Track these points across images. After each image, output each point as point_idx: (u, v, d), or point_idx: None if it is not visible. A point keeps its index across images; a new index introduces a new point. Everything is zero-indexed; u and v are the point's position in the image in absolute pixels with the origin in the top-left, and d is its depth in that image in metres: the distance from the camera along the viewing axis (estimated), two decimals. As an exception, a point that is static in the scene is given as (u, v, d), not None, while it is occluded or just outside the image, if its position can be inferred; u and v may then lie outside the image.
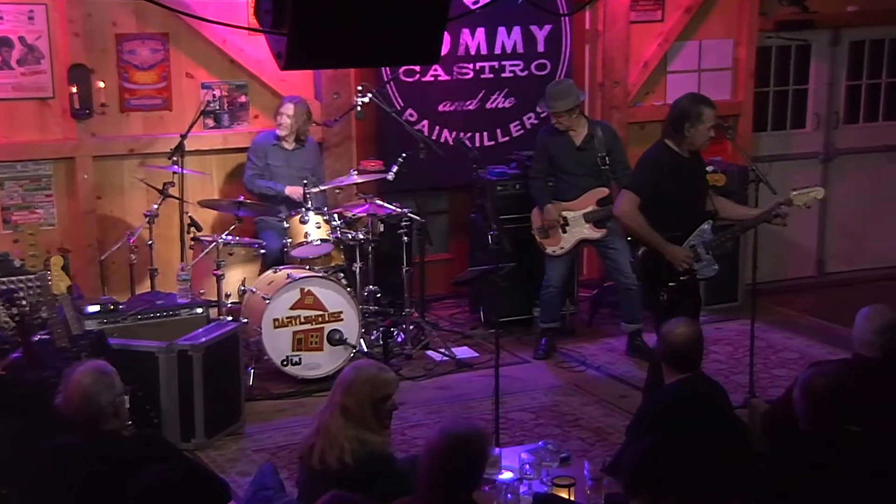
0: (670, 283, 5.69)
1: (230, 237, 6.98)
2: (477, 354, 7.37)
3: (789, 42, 9.11)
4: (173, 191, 7.18)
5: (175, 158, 7.18)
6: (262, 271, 7.19)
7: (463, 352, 7.41)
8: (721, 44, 8.90)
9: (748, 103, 8.96)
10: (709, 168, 7.60)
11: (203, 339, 5.99)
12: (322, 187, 7.44)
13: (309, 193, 7.19)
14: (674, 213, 5.74)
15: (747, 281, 7.64)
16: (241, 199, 7.08)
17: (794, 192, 5.95)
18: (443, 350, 7.33)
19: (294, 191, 7.27)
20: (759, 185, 6.26)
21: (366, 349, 7.07)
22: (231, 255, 7.06)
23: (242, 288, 7.04)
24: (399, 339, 7.38)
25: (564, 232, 7.36)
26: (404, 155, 7.41)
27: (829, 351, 7.23)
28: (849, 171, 9.50)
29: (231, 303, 7.00)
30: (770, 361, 7.35)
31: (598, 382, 6.98)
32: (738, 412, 5.70)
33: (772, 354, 7.49)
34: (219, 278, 6.81)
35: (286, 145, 7.58)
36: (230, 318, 6.68)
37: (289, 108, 7.48)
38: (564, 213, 7.34)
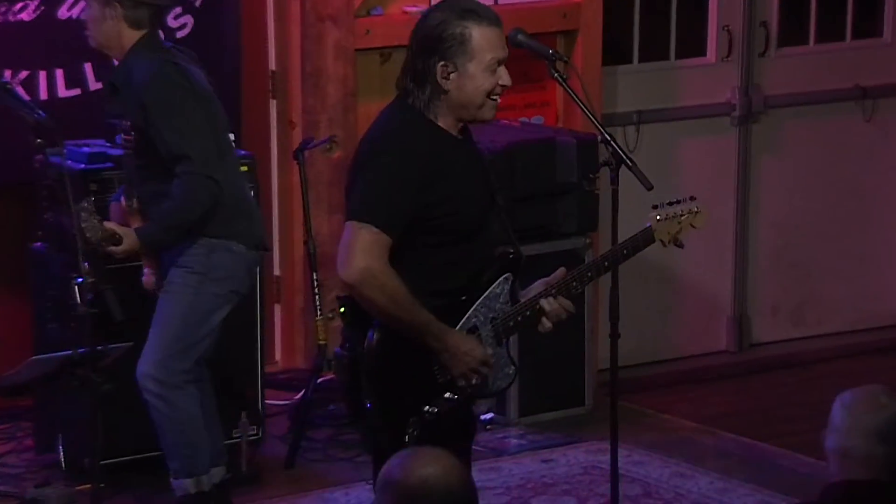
0: (428, 408, 5.59)
1: None
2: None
3: None
4: None
5: None
6: None
7: (23, 533, 7.41)
8: None
9: (595, 8, 8.98)
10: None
11: None
12: None
13: None
14: (444, 257, 5.68)
15: (602, 365, 7.81)
16: None
17: (658, 215, 5.89)
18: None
19: None
20: (620, 171, 5.97)
21: None
22: None
23: None
24: None
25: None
26: None
27: (762, 499, 7.60)
28: (789, 140, 9.82)
29: None
30: (651, 524, 7.67)
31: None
32: None
33: (654, 510, 7.65)
34: None
35: None
36: None
37: None
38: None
